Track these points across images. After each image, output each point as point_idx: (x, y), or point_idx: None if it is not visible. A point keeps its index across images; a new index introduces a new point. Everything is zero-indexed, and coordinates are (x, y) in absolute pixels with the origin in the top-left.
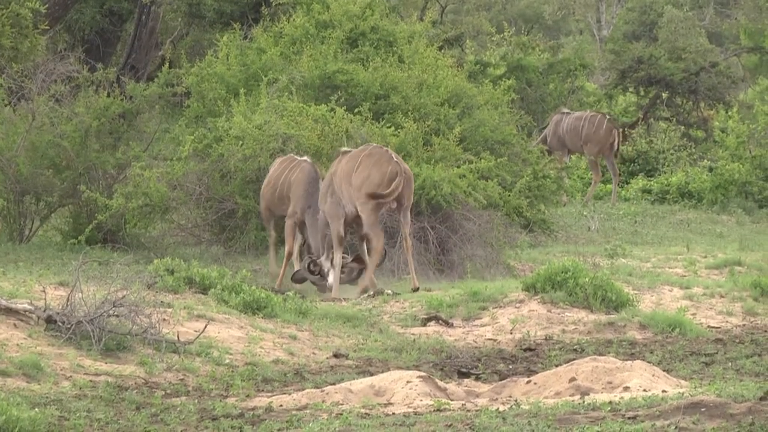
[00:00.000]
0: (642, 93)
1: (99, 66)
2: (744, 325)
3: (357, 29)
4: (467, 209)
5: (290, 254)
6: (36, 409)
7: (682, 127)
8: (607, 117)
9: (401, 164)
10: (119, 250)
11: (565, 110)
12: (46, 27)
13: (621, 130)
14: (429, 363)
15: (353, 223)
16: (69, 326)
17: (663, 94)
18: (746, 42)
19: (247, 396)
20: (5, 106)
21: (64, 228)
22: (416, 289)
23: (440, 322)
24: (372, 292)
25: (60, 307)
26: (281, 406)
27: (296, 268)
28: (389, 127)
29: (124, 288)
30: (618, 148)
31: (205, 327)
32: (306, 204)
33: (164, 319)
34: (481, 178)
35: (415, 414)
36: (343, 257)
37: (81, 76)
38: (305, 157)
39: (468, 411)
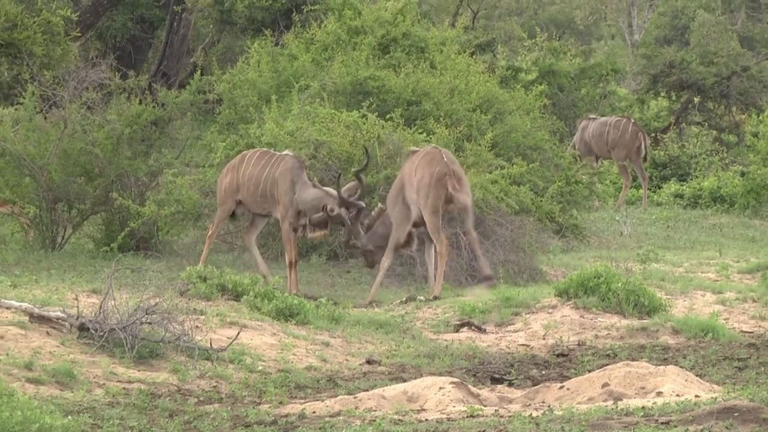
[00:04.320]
0: (674, 97)
1: (131, 73)
2: None
3: (389, 35)
4: (499, 215)
5: (292, 263)
6: (69, 417)
7: (714, 132)
8: (632, 121)
9: (451, 164)
10: (152, 258)
11: (592, 116)
12: (78, 34)
13: (648, 134)
14: (462, 369)
15: (421, 224)
16: (102, 334)
17: (695, 99)
18: None
19: (280, 403)
20: (37, 113)
21: (97, 235)
22: (488, 278)
23: (473, 328)
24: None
25: (93, 315)
26: (314, 412)
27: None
28: (421, 133)
29: (156, 295)
30: (646, 152)
31: (238, 334)
32: (293, 199)
33: (197, 327)
34: (513, 183)
35: (448, 420)
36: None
37: (113, 84)
38: (287, 151)
39: (501, 417)
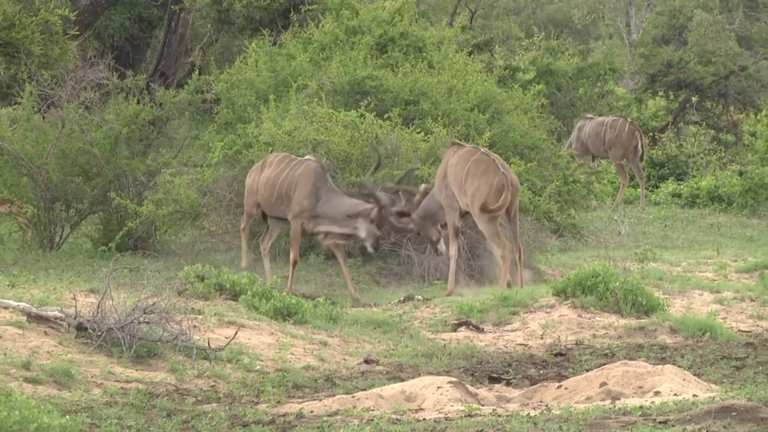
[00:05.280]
0: (672, 97)
1: (129, 73)
2: None
3: (386, 35)
4: None
5: (296, 262)
6: (67, 417)
7: (712, 131)
8: (629, 120)
9: (508, 174)
10: (150, 257)
11: (589, 115)
12: (76, 34)
13: (646, 133)
14: (460, 368)
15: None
16: (100, 333)
17: (693, 98)
18: None
19: (278, 402)
20: (35, 113)
21: (95, 235)
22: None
23: (471, 327)
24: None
25: (91, 315)
26: (312, 412)
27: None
28: (419, 132)
29: (154, 295)
30: (643, 151)
31: (236, 333)
32: (313, 204)
33: (195, 326)
34: None
35: (446, 419)
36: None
37: (111, 83)
38: (308, 156)
39: (499, 416)
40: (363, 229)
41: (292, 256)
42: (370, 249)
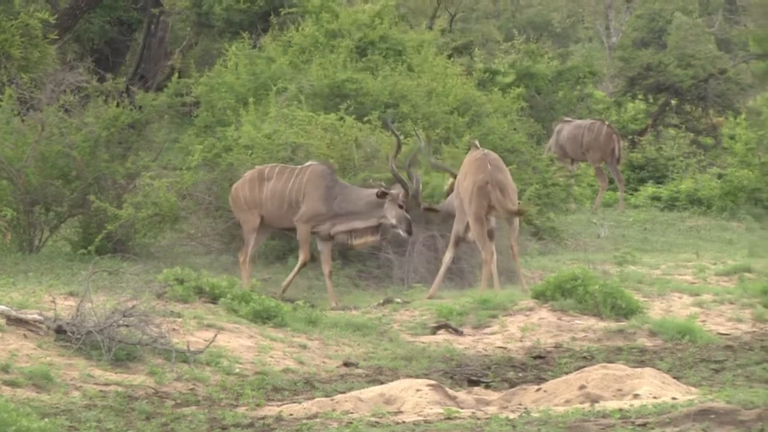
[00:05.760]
0: (651, 100)
1: (108, 76)
2: (754, 331)
3: (366, 38)
4: None
5: (305, 263)
6: (46, 420)
7: (691, 134)
8: (606, 123)
9: (495, 173)
10: (129, 260)
11: (567, 118)
12: (56, 37)
13: (625, 136)
14: (439, 371)
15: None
16: (79, 336)
17: (672, 101)
18: (755, 49)
19: (257, 405)
20: (15, 116)
21: (74, 238)
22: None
23: (450, 330)
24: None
25: (70, 318)
26: (291, 415)
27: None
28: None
29: (133, 298)
30: (620, 155)
31: (215, 336)
32: (330, 206)
33: (174, 329)
34: None
35: (425, 422)
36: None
37: (90, 86)
38: (310, 161)
39: (478, 419)
40: (392, 215)
41: (301, 258)
42: (403, 234)
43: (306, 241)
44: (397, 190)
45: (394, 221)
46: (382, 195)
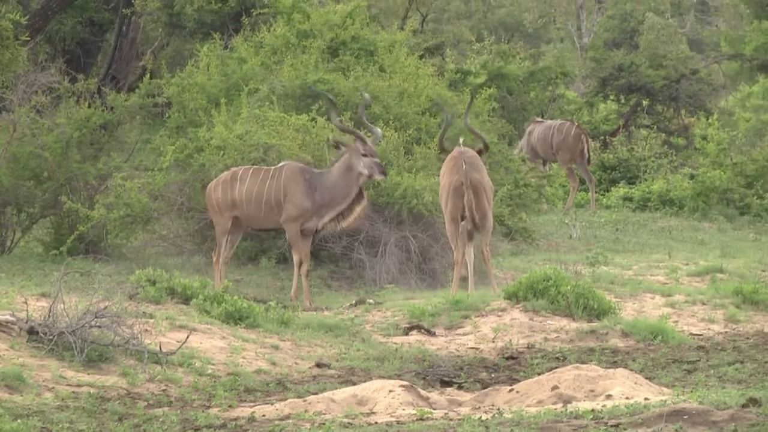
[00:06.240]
0: (623, 101)
1: (80, 77)
2: (726, 332)
3: (338, 39)
4: None
5: (302, 263)
6: (18, 421)
7: (663, 135)
8: (576, 124)
9: (470, 173)
10: (101, 261)
11: (538, 119)
12: (27, 38)
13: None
14: (411, 372)
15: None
16: (51, 337)
17: (644, 102)
18: (727, 49)
19: (230, 406)
20: None
21: (46, 239)
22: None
23: (422, 331)
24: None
25: (42, 319)
26: (264, 416)
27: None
28: (370, 136)
29: (106, 299)
30: (589, 155)
31: (188, 337)
32: (313, 199)
33: (146, 330)
34: None
35: (398, 423)
36: None
37: (62, 87)
38: (284, 162)
39: (450, 420)
40: (362, 166)
41: (296, 258)
42: (379, 177)
43: (297, 240)
44: (353, 142)
45: (365, 171)
46: (336, 145)
